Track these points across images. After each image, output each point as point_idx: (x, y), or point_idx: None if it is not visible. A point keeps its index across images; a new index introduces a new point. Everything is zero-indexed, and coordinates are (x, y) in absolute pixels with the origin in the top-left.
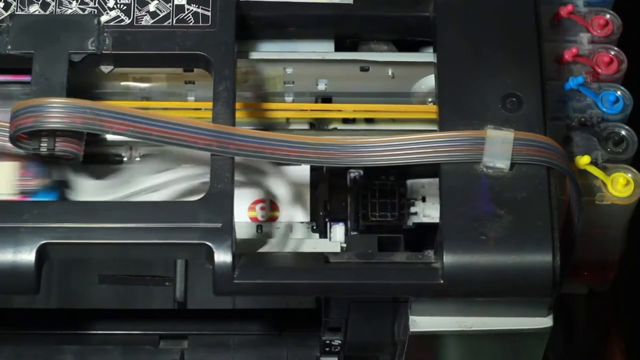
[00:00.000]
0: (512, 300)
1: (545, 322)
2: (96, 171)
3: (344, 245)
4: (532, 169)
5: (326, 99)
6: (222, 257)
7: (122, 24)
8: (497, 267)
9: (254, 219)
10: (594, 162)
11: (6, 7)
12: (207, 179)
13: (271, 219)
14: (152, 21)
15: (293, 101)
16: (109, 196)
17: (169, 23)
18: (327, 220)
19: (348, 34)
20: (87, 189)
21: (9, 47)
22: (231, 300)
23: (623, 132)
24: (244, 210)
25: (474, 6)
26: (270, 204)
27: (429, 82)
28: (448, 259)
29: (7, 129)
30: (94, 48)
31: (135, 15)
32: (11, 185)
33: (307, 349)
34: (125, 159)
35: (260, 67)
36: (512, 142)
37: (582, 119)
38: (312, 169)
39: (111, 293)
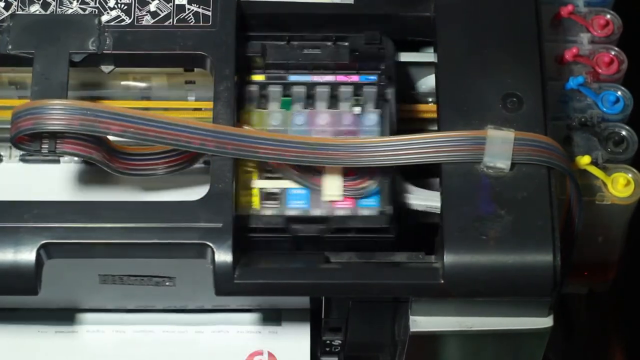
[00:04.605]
0: (513, 300)
1: (545, 322)
2: None
3: None
4: (533, 169)
5: None
6: (223, 257)
7: (123, 23)
8: (498, 267)
9: None
10: (594, 162)
11: (7, 6)
12: None
13: None
14: (152, 21)
15: None
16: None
17: (170, 23)
18: None
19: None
20: None
21: (10, 47)
22: None
23: (623, 132)
24: None
25: (474, 6)
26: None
27: (429, 82)
28: (449, 258)
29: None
30: (94, 48)
31: (135, 15)
32: (340, 188)
33: None
34: None
35: None
36: (512, 142)
37: (583, 119)
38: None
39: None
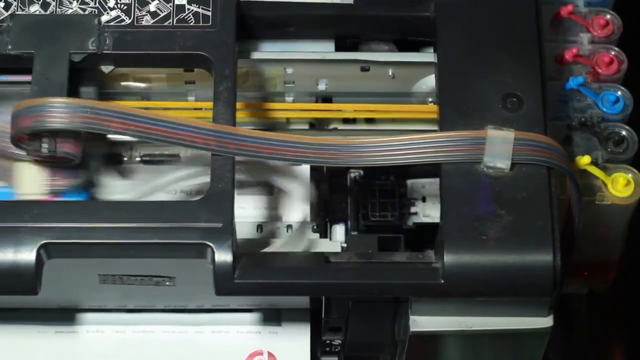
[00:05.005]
0: (513, 300)
1: (545, 322)
2: (125, 170)
3: (345, 245)
4: (533, 169)
5: (327, 99)
6: (223, 256)
7: (123, 23)
8: (498, 267)
9: None
10: (594, 162)
11: (7, 6)
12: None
13: None
14: (152, 21)
15: (293, 101)
16: (136, 195)
17: (170, 23)
18: (327, 220)
19: (349, 34)
20: (116, 189)
21: (10, 47)
22: None
23: (623, 132)
24: None
25: (474, 6)
26: None
27: (429, 82)
28: (449, 258)
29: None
30: (94, 48)
31: (135, 15)
32: (39, 185)
33: None
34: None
35: (260, 67)
36: (512, 142)
37: (583, 119)
38: (312, 169)
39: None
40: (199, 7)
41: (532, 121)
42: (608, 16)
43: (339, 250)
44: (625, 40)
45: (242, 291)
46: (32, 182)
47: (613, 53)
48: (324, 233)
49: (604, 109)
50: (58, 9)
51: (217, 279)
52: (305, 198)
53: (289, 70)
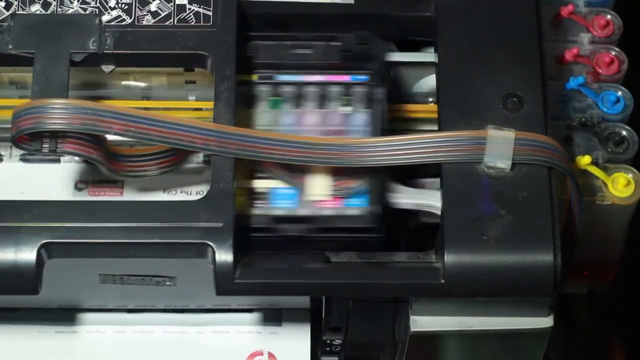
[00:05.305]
0: (513, 300)
1: (545, 322)
2: None
3: None
4: (533, 169)
5: None
6: (224, 256)
7: (124, 23)
8: (498, 267)
9: None
10: (594, 162)
11: (7, 6)
12: None
13: None
14: (153, 21)
15: None
16: None
17: (170, 23)
18: None
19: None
20: None
21: (10, 46)
22: None
23: (624, 132)
24: None
25: (474, 6)
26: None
27: (429, 82)
28: (449, 258)
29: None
30: (95, 48)
31: (136, 15)
32: (326, 187)
33: None
34: None
35: None
36: (513, 142)
37: (583, 119)
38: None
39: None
40: (199, 7)
41: (533, 121)
42: (608, 16)
43: None
44: (625, 40)
45: (243, 291)
46: (319, 184)
47: (613, 53)
48: None
49: (605, 109)
50: (59, 9)
51: (217, 278)
52: None
53: None
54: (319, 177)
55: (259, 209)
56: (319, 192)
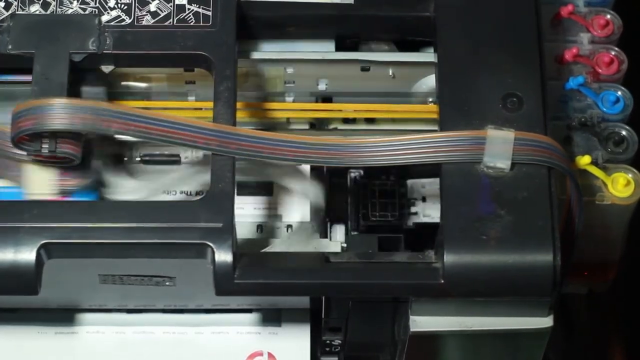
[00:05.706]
0: (513, 300)
1: (545, 322)
2: (136, 171)
3: (345, 245)
4: (533, 169)
5: (327, 98)
6: (223, 256)
7: (123, 23)
8: (498, 267)
9: None
10: (594, 162)
11: (7, 6)
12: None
13: None
14: (152, 21)
15: (294, 101)
16: (144, 194)
17: (170, 23)
18: (327, 220)
19: (349, 34)
20: (124, 188)
21: (10, 46)
22: None
23: (623, 132)
24: None
25: (474, 6)
26: None
27: (429, 82)
28: (449, 258)
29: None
30: (94, 48)
31: (136, 15)
32: (49, 185)
33: None
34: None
35: (261, 67)
36: (512, 142)
37: (583, 119)
38: (312, 169)
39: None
40: (199, 7)
41: (532, 121)
42: (608, 16)
43: (339, 250)
44: (625, 40)
45: (242, 291)
46: (41, 182)
47: (613, 53)
48: (324, 233)
49: (604, 109)
50: (58, 9)
51: (217, 279)
52: (305, 198)
53: (289, 70)
54: (39, 174)
55: None
56: (41, 190)
